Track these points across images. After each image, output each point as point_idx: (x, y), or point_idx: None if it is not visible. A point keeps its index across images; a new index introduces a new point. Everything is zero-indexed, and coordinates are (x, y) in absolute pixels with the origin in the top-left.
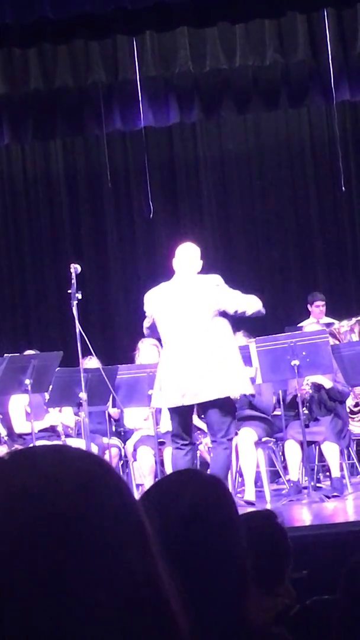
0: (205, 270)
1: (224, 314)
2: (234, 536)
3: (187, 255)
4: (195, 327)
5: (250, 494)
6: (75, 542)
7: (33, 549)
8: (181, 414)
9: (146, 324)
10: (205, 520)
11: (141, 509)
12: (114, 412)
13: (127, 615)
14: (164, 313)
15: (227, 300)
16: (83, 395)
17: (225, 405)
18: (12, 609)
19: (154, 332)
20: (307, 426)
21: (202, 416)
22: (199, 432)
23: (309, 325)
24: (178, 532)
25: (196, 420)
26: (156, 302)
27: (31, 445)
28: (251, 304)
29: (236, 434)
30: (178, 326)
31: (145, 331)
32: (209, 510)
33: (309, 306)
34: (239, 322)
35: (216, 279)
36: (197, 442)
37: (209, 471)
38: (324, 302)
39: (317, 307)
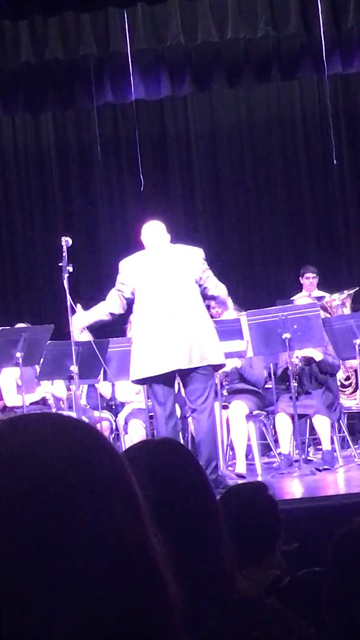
0: (195, 244)
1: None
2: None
3: (158, 230)
4: (182, 294)
5: (241, 467)
6: (65, 507)
7: (23, 515)
8: (165, 383)
9: (125, 293)
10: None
11: (132, 476)
12: (104, 390)
13: (117, 581)
14: (147, 282)
15: (211, 282)
16: (74, 368)
17: (209, 372)
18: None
19: (130, 302)
20: (297, 399)
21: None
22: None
23: (301, 298)
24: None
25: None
26: (137, 272)
27: None
28: (225, 294)
29: (226, 407)
30: (164, 294)
31: (113, 299)
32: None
33: (300, 278)
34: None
35: (201, 252)
36: (187, 415)
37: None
38: (314, 275)
39: (308, 279)
